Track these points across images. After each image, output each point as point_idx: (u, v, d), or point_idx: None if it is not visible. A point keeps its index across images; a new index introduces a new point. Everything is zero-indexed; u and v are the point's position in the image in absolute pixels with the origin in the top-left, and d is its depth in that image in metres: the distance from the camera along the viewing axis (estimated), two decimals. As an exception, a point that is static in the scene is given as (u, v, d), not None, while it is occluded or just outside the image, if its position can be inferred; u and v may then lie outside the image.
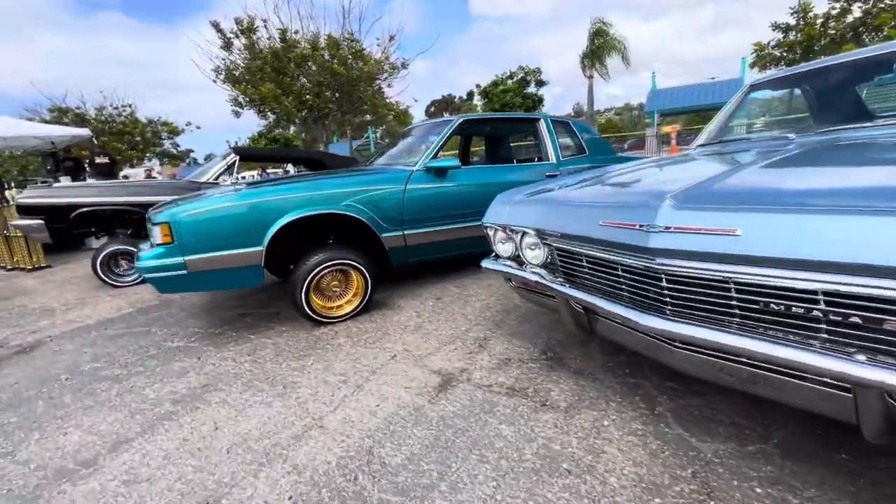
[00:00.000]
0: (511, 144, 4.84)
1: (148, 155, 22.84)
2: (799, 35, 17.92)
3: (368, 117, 12.66)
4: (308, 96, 10.57)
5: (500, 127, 4.15)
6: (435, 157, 3.06)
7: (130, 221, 4.76)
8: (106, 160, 10.71)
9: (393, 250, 2.89)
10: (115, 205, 4.22)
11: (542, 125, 3.64)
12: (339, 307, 2.79)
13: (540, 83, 35.80)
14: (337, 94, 11.01)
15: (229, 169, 4.84)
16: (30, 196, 4.01)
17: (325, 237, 2.94)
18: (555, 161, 3.59)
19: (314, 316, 2.68)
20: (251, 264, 2.48)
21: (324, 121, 12.58)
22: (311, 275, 2.56)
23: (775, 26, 18.61)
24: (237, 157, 4.84)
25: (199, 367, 2.33)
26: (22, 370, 2.54)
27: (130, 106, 21.68)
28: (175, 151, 23.97)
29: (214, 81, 11.66)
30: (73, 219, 4.13)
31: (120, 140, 20.53)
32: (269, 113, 11.40)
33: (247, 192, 2.56)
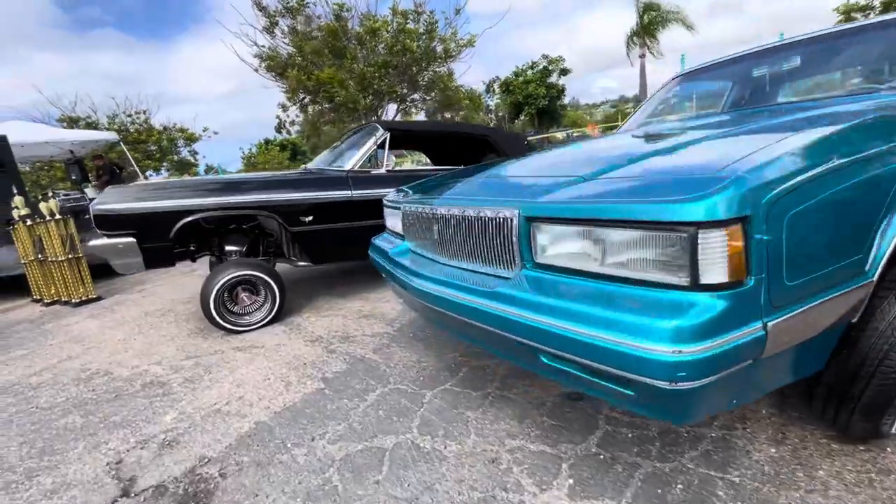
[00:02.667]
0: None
1: (165, 164, 21.57)
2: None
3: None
4: (374, 78, 9.10)
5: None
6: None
7: (241, 233, 3.27)
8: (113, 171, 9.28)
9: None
10: (241, 207, 2.73)
11: None
12: None
13: (564, 72, 34.46)
14: (404, 76, 9.54)
15: (380, 149, 3.35)
16: (112, 201, 2.52)
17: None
18: None
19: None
20: (840, 323, 0.95)
21: (377, 110, 11.11)
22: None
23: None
24: (387, 134, 3.34)
25: None
26: None
27: (145, 112, 20.44)
28: (193, 160, 22.68)
29: (256, 70, 10.26)
30: (176, 233, 2.65)
31: (135, 149, 19.29)
32: (325, 103, 9.95)
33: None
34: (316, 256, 3.07)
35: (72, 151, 9.90)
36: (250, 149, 38.28)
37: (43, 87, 27.78)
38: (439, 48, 10.06)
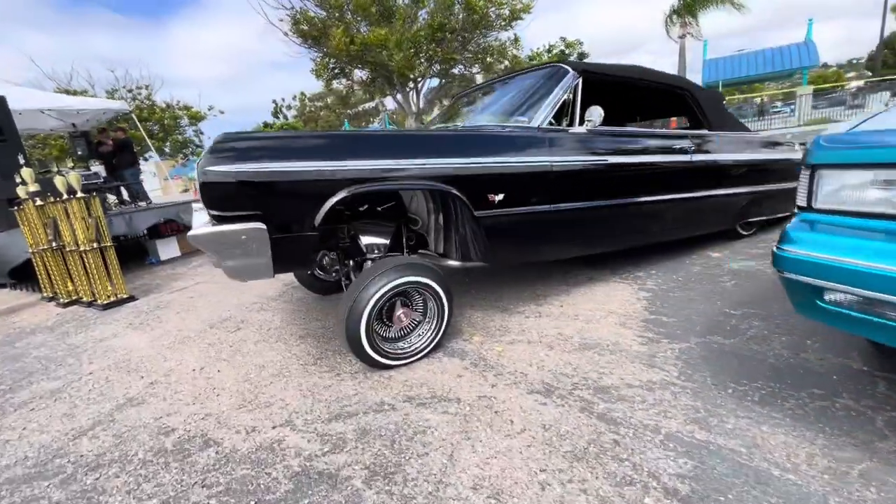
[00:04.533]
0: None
1: (168, 144, 20.31)
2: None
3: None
4: (430, 42, 7.97)
5: None
6: None
7: (377, 218, 2.25)
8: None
9: None
10: (417, 178, 1.72)
11: None
12: None
13: (582, 56, 33.29)
14: (459, 41, 8.37)
15: (573, 100, 2.31)
16: (235, 161, 1.46)
17: None
18: None
19: None
20: None
21: (416, 82, 9.99)
22: None
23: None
24: (580, 79, 2.32)
25: None
26: None
27: (147, 87, 19.15)
28: (198, 140, 21.34)
29: (286, 34, 9.09)
30: (326, 215, 1.64)
31: (137, 127, 18.09)
32: (369, 70, 8.80)
33: None
34: (502, 252, 2.06)
35: (74, 125, 8.80)
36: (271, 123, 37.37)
37: (30, 68, 26.32)
38: (493, 13, 8.93)
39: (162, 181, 20.47)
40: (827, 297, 1.05)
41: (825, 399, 1.43)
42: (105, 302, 3.75)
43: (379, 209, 2.22)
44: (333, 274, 3.16)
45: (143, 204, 7.49)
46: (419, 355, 1.99)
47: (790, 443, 1.26)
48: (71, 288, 4.05)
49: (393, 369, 1.95)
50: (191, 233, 1.49)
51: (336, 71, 10.17)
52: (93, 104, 8.59)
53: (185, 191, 23.57)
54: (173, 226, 5.88)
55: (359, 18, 8.23)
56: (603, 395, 1.60)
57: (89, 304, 3.84)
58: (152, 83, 19.29)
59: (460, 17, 8.20)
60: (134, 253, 5.97)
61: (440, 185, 1.81)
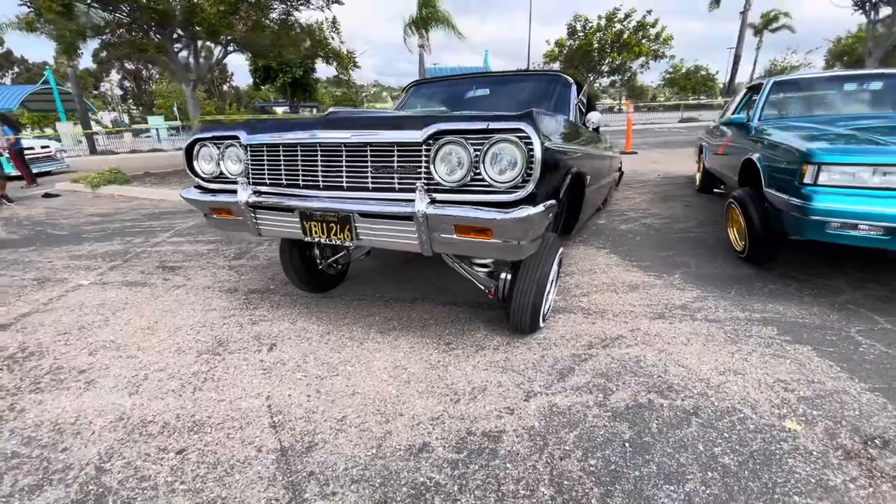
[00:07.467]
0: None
1: None
2: (576, 43, 23.63)
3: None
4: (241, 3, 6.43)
5: None
6: None
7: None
8: None
9: None
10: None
11: None
12: None
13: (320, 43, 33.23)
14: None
15: (578, 105, 2.95)
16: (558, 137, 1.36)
17: None
18: None
19: None
20: None
21: (196, 47, 8.23)
22: None
23: (569, 28, 23.86)
24: (584, 88, 2.97)
25: None
26: None
27: None
28: None
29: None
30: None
31: None
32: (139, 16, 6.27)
33: None
34: (574, 223, 2.57)
35: None
36: None
37: None
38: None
39: None
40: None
41: (775, 283, 2.67)
42: None
43: None
44: (339, 266, 2.84)
45: None
46: (546, 316, 2.30)
47: (786, 304, 2.38)
48: None
49: (539, 332, 2.20)
50: (519, 213, 1.35)
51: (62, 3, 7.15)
52: None
53: None
54: None
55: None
56: (687, 310, 2.40)
57: None
58: None
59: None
60: None
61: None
